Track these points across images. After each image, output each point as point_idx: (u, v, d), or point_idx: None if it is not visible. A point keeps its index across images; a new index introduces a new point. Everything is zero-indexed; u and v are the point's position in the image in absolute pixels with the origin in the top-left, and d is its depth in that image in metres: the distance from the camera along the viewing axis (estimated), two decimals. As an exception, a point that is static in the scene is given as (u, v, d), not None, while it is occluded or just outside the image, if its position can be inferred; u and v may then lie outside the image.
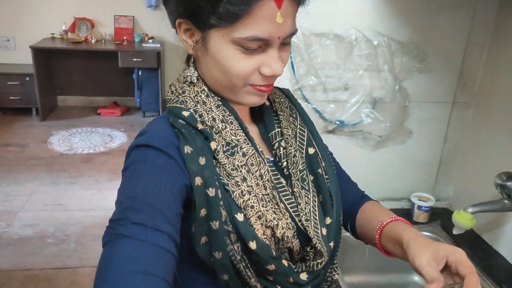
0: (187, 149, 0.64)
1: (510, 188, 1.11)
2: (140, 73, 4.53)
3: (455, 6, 1.29)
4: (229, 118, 0.70)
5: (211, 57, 0.66)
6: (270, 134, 0.78)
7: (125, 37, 4.64)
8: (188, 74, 0.71)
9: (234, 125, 0.70)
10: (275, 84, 0.87)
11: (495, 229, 1.30)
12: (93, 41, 4.56)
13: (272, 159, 0.77)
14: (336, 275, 0.80)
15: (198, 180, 0.63)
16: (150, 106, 4.68)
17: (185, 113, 0.68)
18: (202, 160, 0.64)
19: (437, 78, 1.37)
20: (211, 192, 0.63)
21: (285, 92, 0.86)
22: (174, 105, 0.70)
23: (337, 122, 1.38)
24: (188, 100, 0.70)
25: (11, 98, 4.41)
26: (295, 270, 0.70)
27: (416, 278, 1.44)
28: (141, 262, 0.54)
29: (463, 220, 1.14)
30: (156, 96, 4.58)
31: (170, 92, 0.74)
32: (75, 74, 4.90)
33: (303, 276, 0.70)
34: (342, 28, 1.29)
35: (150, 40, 4.63)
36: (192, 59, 0.72)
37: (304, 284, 0.70)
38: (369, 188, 1.48)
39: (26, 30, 4.59)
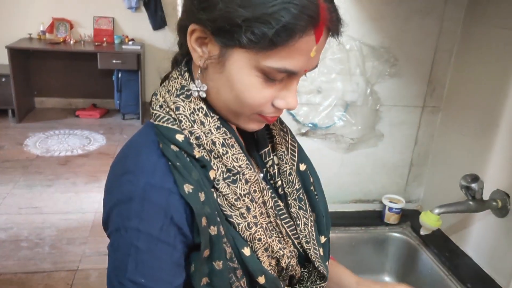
0: (187, 188, 0.56)
1: (474, 190, 1.15)
2: (120, 75, 4.50)
3: (424, 13, 1.32)
4: (230, 141, 0.62)
5: (225, 77, 0.58)
6: (262, 152, 0.71)
7: (104, 39, 4.60)
8: (195, 89, 0.61)
9: (236, 149, 0.62)
10: None
11: (462, 229, 1.34)
12: (71, 42, 4.51)
13: (261, 176, 0.71)
14: None
15: (204, 221, 0.57)
16: (130, 108, 4.64)
17: (179, 137, 0.59)
18: (202, 196, 0.57)
19: (408, 83, 1.41)
20: (212, 230, 0.58)
21: None
22: (165, 125, 0.60)
23: (310, 125, 1.40)
24: (183, 119, 0.60)
25: (-14, 99, 4.32)
26: None
27: (387, 278, 1.46)
28: None
29: (429, 221, 1.17)
30: (136, 99, 4.55)
31: (158, 106, 0.63)
32: (53, 76, 4.83)
33: None
34: (315, 32, 1.31)
35: (130, 42, 4.60)
36: (199, 71, 0.62)
37: None
38: (341, 190, 1.52)
39: (2, 29, 4.50)
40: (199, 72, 0.62)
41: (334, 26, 0.58)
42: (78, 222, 2.81)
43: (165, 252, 0.56)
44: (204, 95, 0.62)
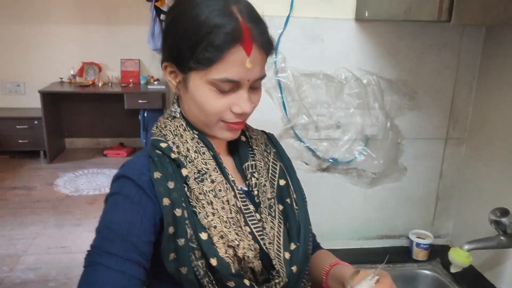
0: (156, 175, 0.73)
1: (505, 224, 1.10)
2: (145, 114, 4.62)
3: (440, 46, 1.32)
4: (202, 149, 0.78)
5: (190, 95, 0.76)
6: (244, 166, 0.85)
7: (131, 80, 4.76)
8: (172, 109, 0.82)
9: (206, 155, 0.78)
10: (263, 128, 0.97)
11: (496, 266, 1.27)
12: (100, 84, 4.69)
13: (245, 189, 0.84)
14: None
15: (166, 201, 0.72)
16: (155, 146, 4.72)
17: (163, 145, 0.77)
18: (170, 184, 0.73)
19: (429, 115, 1.39)
20: (178, 212, 0.72)
21: (266, 133, 0.95)
22: (155, 138, 0.80)
23: (330, 160, 1.39)
24: (168, 133, 0.79)
25: (20, 141, 4.49)
26: None
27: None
28: (109, 286, 0.67)
29: (459, 257, 1.12)
30: (162, 136, 4.63)
31: (155, 127, 0.83)
32: (83, 117, 5.00)
33: None
34: (332, 68, 1.33)
35: (156, 82, 4.74)
36: (175, 97, 0.82)
37: None
38: (365, 226, 1.48)
39: (35, 75, 4.74)
40: (175, 97, 0.83)
41: (261, 42, 0.73)
42: (105, 261, 2.82)
43: (137, 212, 0.71)
44: (178, 115, 0.81)
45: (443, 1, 0.84)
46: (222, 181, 0.77)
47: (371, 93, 1.35)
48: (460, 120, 1.40)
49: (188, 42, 0.71)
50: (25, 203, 3.65)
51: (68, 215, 3.44)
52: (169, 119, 0.82)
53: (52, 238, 3.09)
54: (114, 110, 4.92)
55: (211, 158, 0.78)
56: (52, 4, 4.63)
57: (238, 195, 0.78)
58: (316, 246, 1.02)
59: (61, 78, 4.76)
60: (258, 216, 0.79)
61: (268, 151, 0.90)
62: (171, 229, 0.71)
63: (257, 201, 0.82)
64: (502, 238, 1.11)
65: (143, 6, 4.63)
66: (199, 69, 0.72)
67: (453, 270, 1.16)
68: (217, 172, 0.77)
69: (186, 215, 0.72)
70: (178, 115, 0.81)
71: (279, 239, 0.80)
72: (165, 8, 4.53)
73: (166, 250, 0.72)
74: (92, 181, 4.13)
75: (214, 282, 0.72)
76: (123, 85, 4.69)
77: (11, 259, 2.81)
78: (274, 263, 0.76)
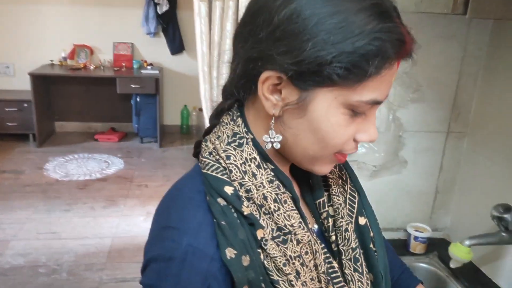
0: (230, 253, 0.53)
1: (508, 221, 1.09)
2: (138, 99, 4.56)
3: (446, 37, 1.30)
4: (283, 196, 0.57)
5: (308, 121, 0.54)
6: (317, 202, 0.66)
7: (123, 64, 4.68)
8: (269, 140, 0.57)
9: (289, 205, 0.57)
10: None
11: (494, 261, 1.27)
12: (92, 67, 4.60)
13: (316, 227, 0.66)
14: None
15: None
16: (147, 132, 4.68)
17: (228, 190, 0.55)
18: (245, 260, 0.53)
19: (431, 108, 1.37)
20: None
21: None
22: (214, 174, 0.57)
23: (331, 152, 1.37)
24: (234, 169, 0.56)
25: (9, 124, 4.41)
26: None
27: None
28: None
29: (460, 253, 1.12)
30: (154, 122, 4.59)
31: (207, 153, 0.59)
32: (74, 100, 4.92)
33: None
34: (335, 59, 1.30)
35: (149, 67, 4.67)
36: (272, 120, 0.57)
37: None
38: (364, 219, 1.47)
39: (25, 57, 4.63)
40: (272, 121, 0.57)
41: (412, 51, 0.56)
42: (96, 247, 2.80)
43: None
44: (278, 146, 0.57)
45: (458, -7, 0.82)
46: (310, 241, 0.58)
47: (374, 84, 1.32)
48: (462, 113, 1.38)
49: (340, 48, 0.50)
50: (14, 188, 3.59)
51: (57, 200, 3.40)
52: (233, 145, 0.58)
53: (42, 223, 3.05)
54: (106, 94, 4.84)
55: (294, 207, 0.58)
56: (43, -16, 4.51)
57: (324, 257, 0.60)
58: (404, 271, 0.87)
59: (51, 61, 4.66)
60: (339, 271, 0.62)
61: (344, 178, 0.69)
62: None
63: (335, 249, 0.65)
64: (504, 234, 1.10)
65: (137, -12, 4.54)
66: (340, 86, 0.52)
67: (452, 265, 1.16)
68: (303, 229, 0.57)
69: None
70: (279, 146, 0.57)
71: None
72: (160, -9, 4.45)
73: None
74: (82, 166, 4.08)
75: None
76: (115, 69, 4.61)
77: (0, 244, 2.78)
78: None
